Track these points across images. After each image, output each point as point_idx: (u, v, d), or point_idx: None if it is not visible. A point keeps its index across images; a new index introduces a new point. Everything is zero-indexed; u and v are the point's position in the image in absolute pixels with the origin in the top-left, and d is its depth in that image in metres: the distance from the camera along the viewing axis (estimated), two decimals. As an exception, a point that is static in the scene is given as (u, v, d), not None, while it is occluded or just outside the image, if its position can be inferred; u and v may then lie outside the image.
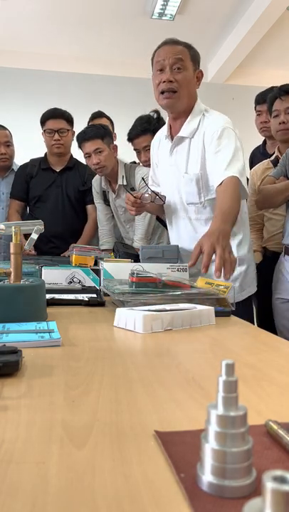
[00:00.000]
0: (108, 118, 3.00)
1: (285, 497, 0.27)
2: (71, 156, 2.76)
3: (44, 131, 2.64)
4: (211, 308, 1.17)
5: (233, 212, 1.53)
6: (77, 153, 2.68)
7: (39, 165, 2.72)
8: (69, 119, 2.66)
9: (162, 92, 1.69)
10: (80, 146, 2.43)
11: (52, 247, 2.54)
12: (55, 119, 2.62)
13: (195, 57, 1.74)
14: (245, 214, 1.82)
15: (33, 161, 2.77)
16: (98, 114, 3.03)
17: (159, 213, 2.03)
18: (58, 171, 2.71)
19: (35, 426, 0.53)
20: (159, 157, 1.93)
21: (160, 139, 1.94)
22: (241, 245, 1.76)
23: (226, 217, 1.49)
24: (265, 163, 2.36)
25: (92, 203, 2.68)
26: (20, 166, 2.79)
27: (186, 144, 1.76)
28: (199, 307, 1.17)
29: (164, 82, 1.67)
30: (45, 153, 2.76)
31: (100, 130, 2.41)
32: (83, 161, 2.71)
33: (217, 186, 1.62)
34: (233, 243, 1.69)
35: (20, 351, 0.75)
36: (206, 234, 1.42)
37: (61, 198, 2.68)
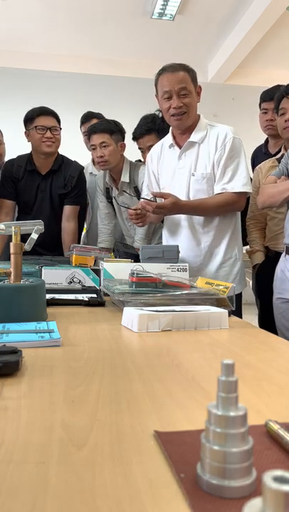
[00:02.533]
0: (99, 117, 2.94)
1: (285, 497, 0.27)
2: (57, 157, 2.58)
3: (35, 127, 2.46)
4: (224, 312, 1.13)
5: (199, 213, 1.90)
6: (72, 154, 2.66)
7: (25, 166, 2.55)
8: (58, 119, 2.54)
9: (173, 115, 1.90)
10: (89, 138, 2.46)
11: (36, 255, 2.30)
12: (46, 116, 2.48)
13: (194, 78, 1.92)
14: (237, 216, 2.04)
15: (18, 161, 2.58)
16: (89, 116, 2.96)
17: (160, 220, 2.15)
18: (43, 174, 2.56)
19: (35, 426, 0.53)
20: (162, 165, 2.07)
21: (161, 150, 2.09)
22: (235, 242, 1.98)
23: (191, 208, 1.87)
24: (271, 161, 2.35)
25: (72, 204, 2.55)
26: (5, 165, 2.61)
27: (195, 149, 1.94)
28: (212, 309, 1.15)
29: (174, 108, 1.87)
30: (31, 153, 2.58)
31: (110, 125, 2.42)
32: (78, 159, 2.69)
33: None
34: (226, 240, 1.95)
35: (21, 351, 0.75)
36: (175, 202, 1.80)
37: (45, 204, 2.54)
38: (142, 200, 1.90)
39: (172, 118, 1.91)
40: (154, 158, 2.11)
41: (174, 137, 2.01)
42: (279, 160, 2.28)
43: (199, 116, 1.98)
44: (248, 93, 6.07)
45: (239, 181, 1.87)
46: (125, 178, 2.45)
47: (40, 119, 2.47)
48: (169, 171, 2.03)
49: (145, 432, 0.52)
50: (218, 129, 1.94)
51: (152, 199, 1.91)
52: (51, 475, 0.42)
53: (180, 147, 1.98)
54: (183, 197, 1.93)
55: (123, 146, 2.45)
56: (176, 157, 1.99)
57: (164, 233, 2.12)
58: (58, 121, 2.53)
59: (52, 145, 2.47)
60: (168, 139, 2.05)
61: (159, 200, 1.91)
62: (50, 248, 2.40)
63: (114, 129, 2.41)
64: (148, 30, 5.55)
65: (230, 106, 6.28)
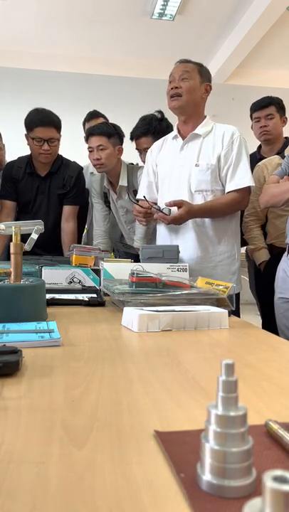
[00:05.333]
0: (104, 117, 2.98)
1: (285, 497, 0.27)
2: (56, 158, 2.56)
3: (33, 138, 2.44)
4: (224, 312, 1.14)
5: (210, 215, 1.93)
6: (70, 154, 2.66)
7: (25, 168, 2.56)
8: (58, 126, 2.50)
9: (171, 97, 1.97)
10: (87, 139, 2.46)
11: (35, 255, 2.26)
12: (44, 127, 2.43)
13: (203, 72, 2.00)
14: (238, 215, 2.10)
15: (19, 162, 2.60)
16: (94, 115, 2.98)
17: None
18: (42, 176, 2.56)
19: (35, 426, 0.53)
20: (162, 156, 2.12)
21: (163, 143, 2.14)
22: (234, 241, 2.02)
23: (203, 213, 1.91)
24: (277, 157, 2.35)
25: (71, 204, 2.56)
26: (6, 166, 2.63)
27: (198, 141, 1.99)
28: (212, 309, 1.15)
29: (172, 88, 1.97)
30: (31, 155, 2.57)
31: (109, 129, 2.42)
32: (78, 158, 2.69)
33: (228, 192, 1.94)
34: (225, 239, 1.98)
35: (21, 351, 0.75)
36: (189, 210, 1.84)
37: (44, 205, 2.55)
38: (156, 215, 1.94)
39: (169, 100, 1.99)
40: (155, 151, 2.17)
41: (179, 130, 2.07)
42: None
43: (206, 116, 2.05)
44: (248, 93, 6.06)
45: (247, 177, 1.93)
46: (123, 182, 2.45)
47: (38, 130, 2.43)
48: (169, 161, 2.06)
49: (145, 431, 0.52)
50: (223, 127, 2.01)
51: (162, 209, 1.92)
52: (51, 475, 0.42)
53: (184, 139, 2.02)
54: (184, 188, 1.96)
55: (120, 150, 2.44)
56: (178, 148, 2.03)
57: (160, 230, 2.11)
58: (58, 128, 2.50)
59: (48, 156, 2.47)
60: (173, 132, 2.12)
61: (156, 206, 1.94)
62: (48, 249, 2.40)
63: (112, 133, 2.40)
64: (148, 30, 5.55)
65: (230, 106, 6.28)
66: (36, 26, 5.44)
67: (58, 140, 2.51)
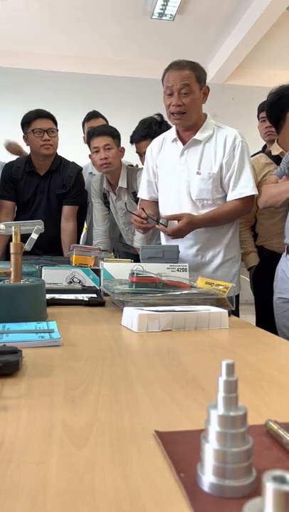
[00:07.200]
0: (104, 118, 2.98)
1: (285, 497, 0.27)
2: (55, 158, 2.59)
3: (32, 131, 2.47)
4: (224, 312, 1.14)
5: (213, 225, 1.90)
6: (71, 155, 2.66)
7: (24, 167, 2.58)
8: (55, 121, 2.55)
9: (173, 113, 1.89)
10: (89, 141, 2.45)
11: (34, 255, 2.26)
12: (43, 118, 2.50)
13: (200, 78, 1.89)
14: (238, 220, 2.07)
15: (18, 162, 2.63)
16: (94, 115, 2.99)
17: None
18: (41, 174, 2.58)
19: (35, 426, 0.53)
20: (163, 158, 2.06)
21: (163, 143, 2.07)
22: (235, 243, 2.02)
23: (205, 223, 1.88)
24: (264, 157, 2.35)
25: (71, 204, 2.57)
26: (5, 166, 2.65)
27: (199, 147, 1.93)
28: (212, 309, 1.15)
29: (174, 105, 1.86)
30: (29, 155, 2.61)
31: (112, 130, 2.44)
32: (78, 160, 2.69)
33: (230, 200, 1.91)
34: (226, 241, 1.96)
35: (20, 351, 0.75)
36: (190, 222, 1.82)
37: (43, 204, 2.57)
38: (157, 225, 1.90)
39: (172, 116, 1.90)
40: (155, 150, 2.10)
41: (178, 132, 1.99)
42: (274, 158, 2.28)
43: (206, 116, 1.97)
44: (248, 93, 6.07)
45: (250, 186, 1.89)
46: (123, 183, 2.45)
47: (36, 122, 2.48)
48: (169, 166, 2.01)
49: (145, 431, 0.52)
50: (225, 131, 1.93)
51: (160, 221, 1.90)
52: (51, 475, 0.42)
53: (183, 143, 1.96)
54: (185, 195, 1.93)
55: (123, 151, 2.46)
56: (178, 153, 1.97)
57: (161, 234, 2.10)
58: (55, 122, 2.54)
59: (50, 148, 2.49)
60: (171, 133, 2.03)
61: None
62: (46, 248, 2.40)
63: (116, 134, 2.43)
64: (148, 30, 5.54)
65: (230, 106, 6.28)
66: (36, 26, 5.44)
67: (57, 132, 2.52)
